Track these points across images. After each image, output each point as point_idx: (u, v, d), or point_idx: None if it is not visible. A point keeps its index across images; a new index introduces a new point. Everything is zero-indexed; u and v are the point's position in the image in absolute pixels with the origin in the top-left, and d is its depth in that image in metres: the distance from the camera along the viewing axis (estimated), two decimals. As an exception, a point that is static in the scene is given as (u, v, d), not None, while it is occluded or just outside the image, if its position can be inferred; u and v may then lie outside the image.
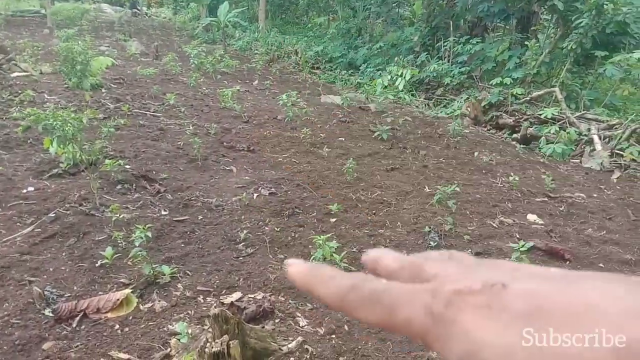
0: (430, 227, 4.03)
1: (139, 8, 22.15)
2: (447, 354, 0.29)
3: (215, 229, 3.78)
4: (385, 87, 7.55)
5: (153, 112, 6.98)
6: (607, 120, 7.79)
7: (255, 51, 14.33)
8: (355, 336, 2.72)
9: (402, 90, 8.26)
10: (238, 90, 9.30)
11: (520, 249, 3.19)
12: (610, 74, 8.04)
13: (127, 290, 2.79)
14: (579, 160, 7.26)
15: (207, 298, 2.94)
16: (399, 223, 4.24)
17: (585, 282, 0.28)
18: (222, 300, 2.87)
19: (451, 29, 10.59)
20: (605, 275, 0.29)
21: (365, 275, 0.34)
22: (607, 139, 7.42)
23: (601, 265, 3.87)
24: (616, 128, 7.49)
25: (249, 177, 4.96)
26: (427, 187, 5.17)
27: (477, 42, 9.98)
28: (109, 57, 8.96)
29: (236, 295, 2.95)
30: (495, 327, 0.27)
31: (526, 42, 9.07)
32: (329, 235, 3.53)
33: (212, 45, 14.86)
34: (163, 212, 3.98)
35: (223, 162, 5.35)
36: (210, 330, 2.25)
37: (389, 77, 7.64)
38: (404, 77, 7.23)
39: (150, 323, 2.64)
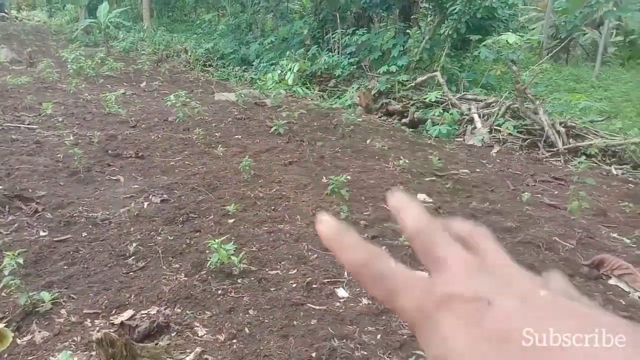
0: (327, 218, 4.08)
1: (6, 12, 20.09)
2: (426, 351, 0.31)
3: (102, 245, 3.54)
4: (278, 81, 7.53)
5: (28, 124, 6.39)
6: (485, 99, 8.41)
7: (142, 52, 13.66)
8: (257, 338, 2.68)
9: (293, 84, 8.28)
10: (124, 93, 8.81)
11: (409, 230, 3.33)
12: (484, 56, 8.68)
13: (0, 325, 2.51)
14: (462, 139, 7.78)
15: (96, 321, 2.74)
16: (298, 216, 4.26)
17: (566, 321, 0.28)
18: (112, 321, 2.69)
19: (338, 21, 10.82)
20: (591, 316, 0.28)
21: (380, 253, 0.35)
22: (486, 117, 8.00)
23: (485, 235, 4.16)
24: (493, 106, 8.11)
25: (138, 186, 4.70)
26: (324, 178, 5.24)
27: (363, 32, 10.28)
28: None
29: (127, 313, 2.79)
30: (467, 339, 0.29)
31: (408, 31, 9.51)
32: (225, 237, 3.45)
33: (94, 48, 13.92)
34: (42, 233, 3.65)
35: (109, 172, 5.03)
36: (96, 357, 2.10)
37: (279, 71, 7.63)
38: (292, 71, 7.25)
39: (29, 358, 2.41)
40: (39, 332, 2.56)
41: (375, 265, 0.34)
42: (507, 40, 6.79)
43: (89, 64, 10.00)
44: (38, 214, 3.95)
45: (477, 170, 6.16)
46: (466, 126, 7.99)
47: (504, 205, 4.87)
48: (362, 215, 4.33)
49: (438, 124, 7.86)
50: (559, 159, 6.83)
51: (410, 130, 8.11)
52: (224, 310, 2.90)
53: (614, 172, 6.59)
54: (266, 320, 2.83)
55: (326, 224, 0.37)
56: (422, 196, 4.98)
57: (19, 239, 3.52)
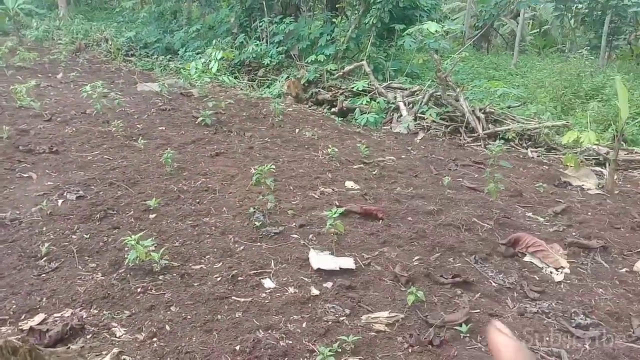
0: (254, 208, 4.04)
1: None
2: None
3: (11, 247, 3.30)
4: (203, 70, 7.33)
5: None
6: (410, 88, 8.64)
7: (59, 41, 12.85)
8: (178, 335, 2.61)
9: (218, 73, 8.11)
10: (38, 85, 8.26)
11: (334, 216, 3.37)
12: (408, 45, 8.89)
13: None
14: (389, 127, 7.96)
15: (3, 327, 2.56)
16: (224, 208, 4.18)
17: None
18: (20, 327, 2.52)
19: (265, 9, 10.68)
20: None
21: None
22: (411, 105, 8.23)
23: (410, 219, 4.29)
24: (417, 94, 8.36)
25: (52, 183, 4.43)
26: (252, 169, 5.17)
27: (290, 21, 10.22)
28: None
29: (38, 317, 2.62)
30: None
31: (334, 20, 9.56)
32: (142, 233, 3.32)
33: (3, 37, 12.92)
34: (-60, 238, 3.36)
35: (19, 169, 4.70)
36: (-4, 366, 1.95)
37: (203, 60, 7.44)
38: (216, 59, 7.09)
39: None
40: None
41: None
42: (428, 29, 6.99)
43: (-5, 54, 9.27)
44: None
45: (403, 156, 6.32)
46: (392, 114, 8.18)
47: (427, 190, 5.03)
48: (290, 205, 4.32)
49: (366, 113, 8.00)
50: (480, 143, 7.16)
51: (340, 119, 8.19)
52: (144, 309, 2.80)
53: (530, 154, 7.01)
54: (189, 316, 2.76)
55: (507, 338, 0.39)
56: (350, 183, 5.04)
57: None
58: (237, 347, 2.52)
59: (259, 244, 3.61)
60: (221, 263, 3.33)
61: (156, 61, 11.74)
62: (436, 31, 7.02)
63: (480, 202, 4.71)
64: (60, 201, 4.07)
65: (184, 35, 12.14)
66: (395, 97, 8.35)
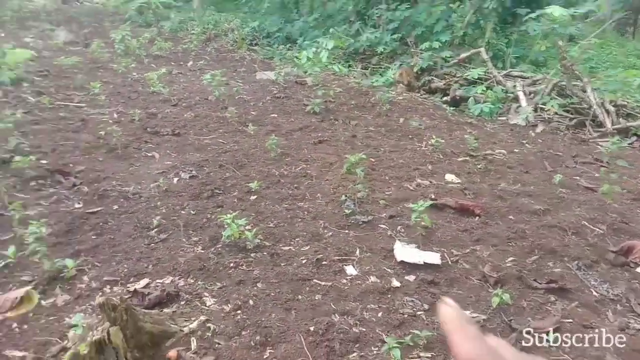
0: (346, 196, 4.11)
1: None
2: None
3: (129, 218, 3.75)
4: (313, 59, 7.52)
5: (77, 103, 6.76)
6: (532, 76, 8.04)
7: (192, 31, 13.97)
8: (260, 309, 2.79)
9: (328, 62, 8.25)
10: (170, 72, 9.11)
11: (419, 209, 3.31)
12: (532, 30, 8.26)
13: (27, 288, 2.76)
14: (505, 118, 7.50)
15: (114, 288, 2.94)
16: (319, 194, 4.31)
17: None
18: (128, 288, 2.87)
19: (383, -5, 10.60)
20: None
21: (498, 354, 0.36)
22: (531, 95, 7.67)
23: (511, 217, 4.06)
24: (540, 83, 7.76)
25: (171, 162, 4.91)
26: (352, 157, 5.25)
27: (406, 7, 10.03)
28: (27, 50, 8.56)
29: (143, 282, 2.96)
30: None
31: (451, 5, 9.18)
32: (238, 212, 3.56)
33: (147, 28, 14.39)
34: (77, 205, 3.91)
35: (145, 148, 5.27)
36: (101, 319, 2.27)
37: (314, 49, 7.62)
38: (327, 48, 7.21)
39: (50, 318, 2.63)
40: (61, 295, 2.79)
41: None
42: (552, 14, 6.42)
43: (134, 44, 10.37)
44: (76, 187, 4.22)
45: (515, 150, 5.95)
46: (510, 105, 7.69)
47: (536, 187, 4.71)
48: (383, 195, 4.32)
49: (480, 103, 7.62)
50: (607, 140, 6.46)
51: (452, 108, 7.90)
52: (234, 283, 3.02)
53: (668, 154, 6.19)
54: (272, 294, 2.92)
55: (452, 309, 0.39)
56: (450, 176, 4.89)
57: (56, 210, 3.79)
58: (312, 328, 2.62)
59: (346, 231, 3.68)
60: (309, 246, 3.46)
61: (276, 50, 12.25)
62: (562, 15, 6.43)
63: (595, 204, 4.30)
64: (175, 179, 4.51)
65: (303, 24, 12.49)
66: (514, 86, 7.83)
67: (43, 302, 2.75)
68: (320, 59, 7.06)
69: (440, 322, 0.37)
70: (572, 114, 7.12)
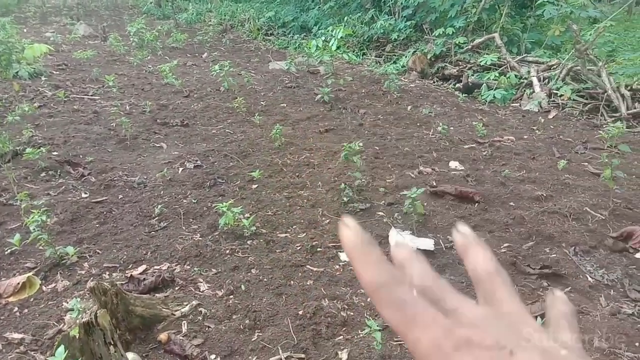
0: (345, 184, 4.14)
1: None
2: None
3: (133, 207, 3.86)
4: (323, 48, 7.51)
5: (91, 95, 6.94)
6: (547, 62, 7.87)
7: (209, 23, 14.09)
8: (251, 295, 2.86)
9: (339, 51, 8.23)
10: (185, 63, 9.25)
11: (412, 196, 3.32)
12: (548, 14, 8.07)
13: (28, 274, 2.88)
14: (518, 104, 7.38)
15: (113, 274, 3.05)
16: (319, 183, 4.35)
17: None
18: (126, 275, 2.98)
19: (397, -18, 10.47)
20: None
21: (403, 278, 0.35)
22: (546, 80, 7.52)
23: (511, 204, 4.03)
24: (554, 68, 7.59)
25: (178, 152, 5.01)
26: (357, 145, 5.26)
27: (420, -7, 9.90)
28: (44, 44, 8.76)
29: (141, 268, 3.06)
30: None
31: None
32: (235, 200, 3.63)
33: (165, 20, 14.57)
34: (83, 195, 4.04)
35: (154, 139, 5.38)
36: (92, 303, 2.36)
37: (323, 38, 7.60)
38: (336, 37, 7.18)
39: (50, 302, 2.75)
40: (62, 281, 2.91)
41: (398, 289, 0.33)
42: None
43: (149, 37, 10.52)
44: (84, 177, 4.36)
45: (525, 137, 5.87)
46: (524, 90, 7.56)
47: (541, 174, 4.65)
48: (384, 182, 4.33)
49: (493, 89, 7.51)
50: (622, 125, 6.30)
51: (464, 95, 7.80)
52: (229, 269, 3.10)
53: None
54: (265, 279, 2.99)
55: (351, 232, 0.36)
56: (454, 164, 4.87)
57: (63, 199, 3.93)
58: (300, 312, 2.68)
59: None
60: (305, 234, 3.51)
61: (291, 40, 12.27)
62: (575, -2, 6.26)
63: (600, 190, 4.22)
64: (180, 169, 4.61)
65: (318, 12, 12.47)
66: (529, 72, 7.68)
67: (44, 288, 2.87)
68: (330, 48, 7.03)
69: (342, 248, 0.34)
70: (586, 99, 6.95)
